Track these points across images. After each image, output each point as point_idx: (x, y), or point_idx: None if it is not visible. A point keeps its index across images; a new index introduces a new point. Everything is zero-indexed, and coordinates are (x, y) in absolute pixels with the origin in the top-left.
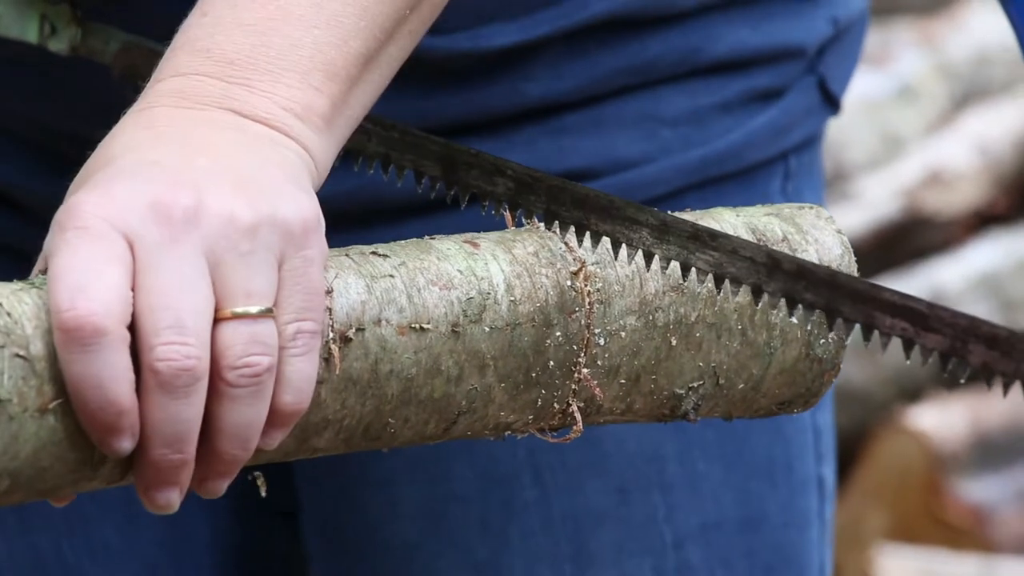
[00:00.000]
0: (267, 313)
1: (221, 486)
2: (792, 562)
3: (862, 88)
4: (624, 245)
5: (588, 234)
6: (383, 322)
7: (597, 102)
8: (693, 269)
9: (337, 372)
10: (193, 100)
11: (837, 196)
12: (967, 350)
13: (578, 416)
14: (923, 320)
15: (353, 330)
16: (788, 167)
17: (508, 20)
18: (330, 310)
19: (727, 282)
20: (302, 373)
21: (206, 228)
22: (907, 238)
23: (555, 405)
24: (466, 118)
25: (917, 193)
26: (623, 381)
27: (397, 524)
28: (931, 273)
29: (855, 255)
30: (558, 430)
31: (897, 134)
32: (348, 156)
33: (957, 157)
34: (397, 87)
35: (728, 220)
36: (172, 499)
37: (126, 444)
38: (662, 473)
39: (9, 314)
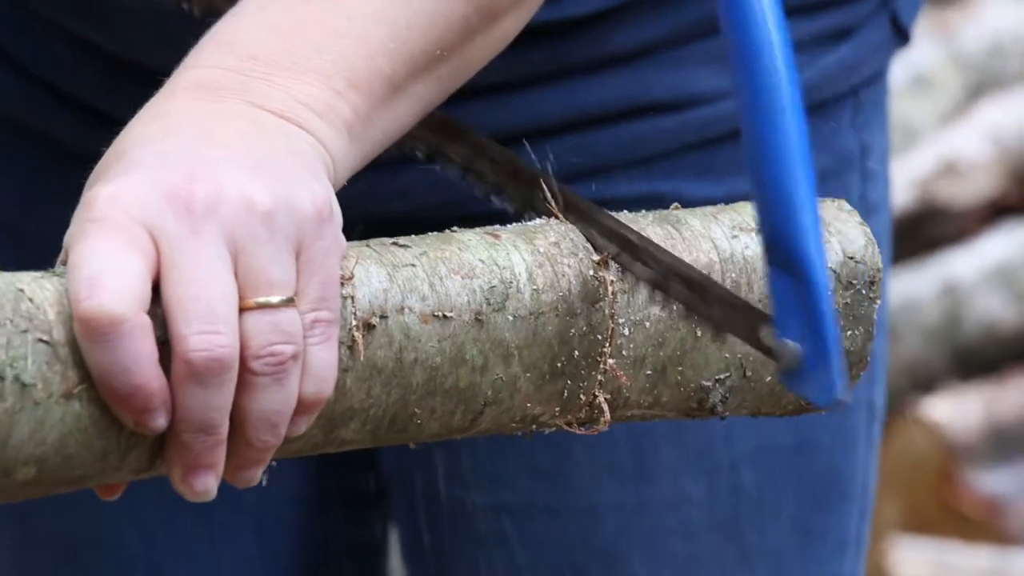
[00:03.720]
0: (288, 303)
1: (256, 475)
2: (837, 484)
3: None
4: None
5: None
6: (406, 310)
7: (678, 45)
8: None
9: (361, 359)
10: (209, 92)
11: None
12: (669, 286)
13: (605, 408)
14: (634, 250)
15: (376, 318)
16: (858, 100)
17: None
18: (352, 298)
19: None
20: (322, 362)
21: (225, 216)
22: (921, 229)
23: (581, 397)
24: (546, 71)
25: (931, 184)
26: (649, 372)
27: None
28: (945, 264)
29: None
30: (586, 424)
31: (911, 124)
32: None
33: (971, 148)
34: None
35: (750, 211)
36: (210, 484)
37: (161, 421)
38: None
39: (31, 299)
